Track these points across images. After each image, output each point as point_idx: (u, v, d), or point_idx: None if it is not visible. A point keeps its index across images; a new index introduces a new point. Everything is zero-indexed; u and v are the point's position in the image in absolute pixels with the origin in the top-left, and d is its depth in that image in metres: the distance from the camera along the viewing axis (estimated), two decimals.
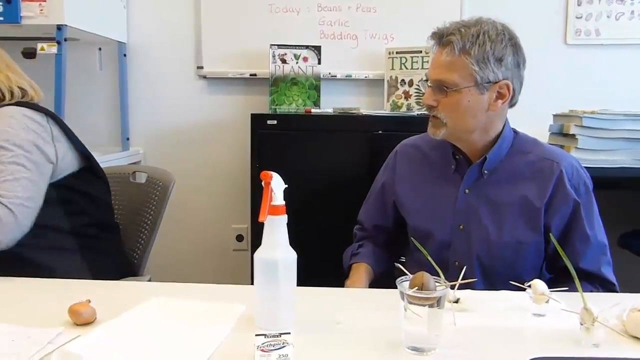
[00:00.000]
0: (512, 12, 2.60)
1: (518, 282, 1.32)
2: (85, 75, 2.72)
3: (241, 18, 2.64)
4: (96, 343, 0.89)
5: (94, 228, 1.54)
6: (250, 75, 2.64)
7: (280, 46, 2.49)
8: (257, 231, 1.06)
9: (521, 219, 1.35)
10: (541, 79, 2.64)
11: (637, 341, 0.95)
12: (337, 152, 2.19)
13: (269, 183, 0.91)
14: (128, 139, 2.73)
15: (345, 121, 2.28)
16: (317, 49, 2.50)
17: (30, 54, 2.10)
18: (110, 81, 2.73)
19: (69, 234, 1.48)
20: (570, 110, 2.11)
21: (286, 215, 0.94)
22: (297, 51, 2.50)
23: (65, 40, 2.13)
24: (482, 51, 1.25)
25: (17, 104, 1.45)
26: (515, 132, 1.42)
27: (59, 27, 2.12)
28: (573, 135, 1.99)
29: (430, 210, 1.42)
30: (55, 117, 1.51)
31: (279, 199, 0.93)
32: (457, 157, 1.41)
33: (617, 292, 1.35)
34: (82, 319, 0.96)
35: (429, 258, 1.01)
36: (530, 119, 2.50)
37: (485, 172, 1.37)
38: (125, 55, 2.69)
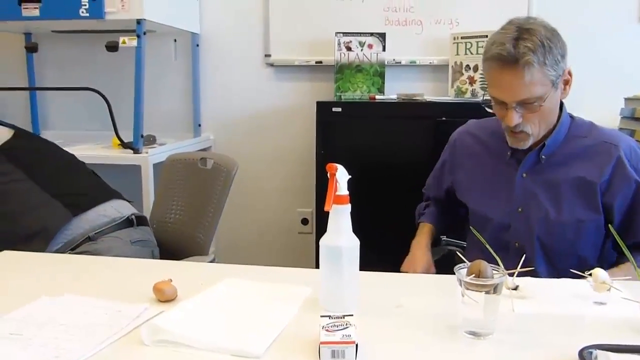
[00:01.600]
0: None
1: (579, 261, 1.35)
2: (162, 64, 2.87)
3: (307, 7, 2.70)
4: (178, 318, 0.99)
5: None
6: (316, 62, 2.70)
7: (345, 34, 2.54)
8: (321, 215, 1.12)
9: (579, 198, 1.36)
10: (613, 60, 2.56)
11: None
12: (401, 139, 2.22)
13: (334, 174, 0.97)
14: (200, 125, 2.87)
15: (409, 107, 2.31)
16: (381, 36, 2.52)
17: (113, 47, 2.25)
18: (184, 70, 2.87)
19: None
20: None
21: (350, 205, 1.00)
22: (362, 38, 2.53)
23: (145, 33, 2.27)
24: (553, 56, 1.27)
25: None
26: (571, 116, 1.43)
27: (139, 21, 2.26)
28: None
29: (488, 195, 1.46)
30: None
31: (343, 189, 0.99)
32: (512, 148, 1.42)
33: None
34: (165, 296, 1.06)
35: (488, 246, 1.05)
36: (601, 102, 2.45)
37: (543, 157, 1.39)
38: (197, 45, 2.82)
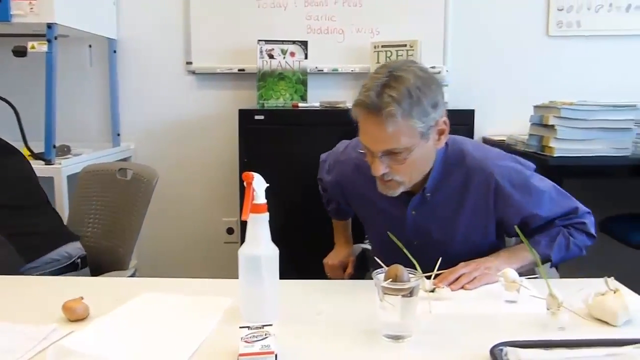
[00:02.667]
0: (496, 5, 2.67)
1: (476, 255, 1.36)
2: (76, 71, 2.75)
3: (229, 14, 2.67)
4: (89, 338, 0.94)
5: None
6: (239, 70, 2.68)
7: (267, 42, 2.53)
8: (246, 224, 1.11)
9: (472, 228, 1.41)
10: (524, 71, 2.70)
11: (601, 323, 1.02)
12: (324, 146, 2.23)
13: (251, 183, 0.96)
14: (119, 134, 2.77)
15: (332, 115, 2.33)
16: (304, 44, 2.53)
17: (21, 52, 2.12)
18: (101, 77, 2.76)
19: None
20: (550, 101, 2.16)
21: (267, 214, 1.00)
22: (284, 46, 2.53)
23: (56, 38, 2.16)
24: (421, 107, 1.20)
25: None
26: (446, 144, 1.38)
27: (49, 26, 2.14)
28: (552, 126, 2.04)
29: (382, 226, 1.40)
30: None
31: (260, 198, 0.98)
32: None
33: (588, 230, 1.40)
34: (75, 315, 1.01)
35: (405, 250, 1.07)
36: (513, 110, 2.58)
37: (428, 194, 1.38)
38: (115, 51, 2.72)
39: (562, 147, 2.03)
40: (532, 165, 1.43)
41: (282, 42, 2.53)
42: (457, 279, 1.24)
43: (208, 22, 2.69)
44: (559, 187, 1.43)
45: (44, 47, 2.12)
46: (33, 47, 2.11)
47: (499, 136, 2.59)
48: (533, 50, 2.69)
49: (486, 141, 2.63)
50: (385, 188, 1.32)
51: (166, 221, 2.78)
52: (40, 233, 1.59)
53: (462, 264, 1.29)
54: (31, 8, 2.10)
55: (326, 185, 1.70)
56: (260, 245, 1.00)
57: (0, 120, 2.59)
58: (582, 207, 1.42)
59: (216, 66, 2.70)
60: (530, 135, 2.20)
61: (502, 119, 2.65)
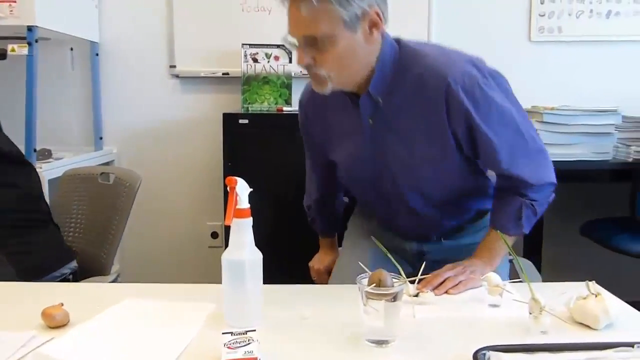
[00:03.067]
0: (478, 10, 2.70)
1: (456, 193, 1.38)
2: (57, 74, 2.72)
3: (213, 17, 2.67)
4: (69, 345, 0.93)
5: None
6: (223, 74, 2.67)
7: (251, 45, 2.53)
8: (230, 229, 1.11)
9: (428, 138, 1.30)
10: (507, 75, 2.70)
11: (582, 327, 1.02)
12: None
13: (234, 188, 0.95)
14: (101, 138, 2.74)
15: None
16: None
17: (0, 55, 2.10)
18: (83, 81, 2.74)
19: None
20: (532, 106, 2.19)
21: (251, 218, 0.99)
22: (269, 50, 2.53)
23: (36, 41, 2.14)
24: None
25: None
26: (398, 43, 1.31)
27: (30, 28, 2.12)
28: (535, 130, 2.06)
29: (346, 145, 1.40)
30: None
31: (244, 203, 0.98)
32: (346, 92, 1.33)
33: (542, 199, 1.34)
34: (55, 321, 0.99)
35: (390, 256, 1.07)
36: None
37: (379, 100, 1.29)
38: (97, 54, 2.70)
39: None
40: (501, 77, 1.33)
41: (267, 45, 2.53)
42: (441, 283, 1.24)
43: (192, 25, 2.68)
44: (527, 123, 1.34)
45: (25, 50, 2.09)
46: (13, 50, 2.09)
47: None
48: (515, 55, 2.72)
49: None
50: (315, 84, 1.27)
51: (149, 225, 2.76)
52: (41, 252, 1.55)
53: (447, 266, 1.28)
54: (11, 10, 2.08)
55: (309, 202, 1.69)
56: (243, 250, 0.99)
57: None
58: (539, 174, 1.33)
59: (200, 70, 2.69)
60: None
61: None
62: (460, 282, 1.24)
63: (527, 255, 2.12)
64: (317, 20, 1.16)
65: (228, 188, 0.96)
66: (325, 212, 1.69)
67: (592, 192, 2.54)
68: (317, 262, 1.71)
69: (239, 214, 0.97)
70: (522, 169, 1.31)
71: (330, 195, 1.67)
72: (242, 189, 0.97)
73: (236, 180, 0.96)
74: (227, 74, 2.67)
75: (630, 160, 2.10)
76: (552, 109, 2.05)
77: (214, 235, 2.80)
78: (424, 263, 1.15)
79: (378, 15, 1.21)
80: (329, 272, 1.66)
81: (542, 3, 2.70)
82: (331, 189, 1.65)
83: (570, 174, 2.14)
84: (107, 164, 2.65)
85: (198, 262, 2.80)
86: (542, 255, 2.13)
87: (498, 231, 1.33)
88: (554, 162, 2.03)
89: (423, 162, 1.32)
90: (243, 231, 0.99)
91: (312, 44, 1.19)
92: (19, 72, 2.22)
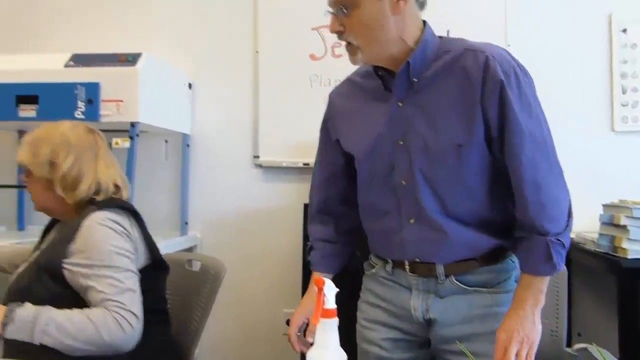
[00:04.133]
0: (559, 101, 2.69)
1: (469, 193, 1.29)
2: (152, 163, 2.92)
3: (296, 111, 2.82)
4: None
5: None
6: (303, 164, 2.78)
7: None
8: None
9: (457, 120, 1.27)
10: (590, 168, 2.65)
11: None
12: None
13: (322, 289, 0.98)
14: (187, 223, 2.89)
15: None
16: None
17: None
18: (174, 169, 2.93)
19: None
20: (620, 200, 2.12)
21: (337, 319, 1.01)
22: None
23: (137, 135, 2.34)
24: None
25: (105, 206, 1.55)
26: (441, 37, 1.34)
27: (133, 124, 2.33)
28: (624, 226, 1.99)
29: (369, 132, 1.36)
30: (136, 215, 1.63)
31: (330, 303, 1.00)
32: (379, 73, 1.35)
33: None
34: None
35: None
36: (581, 208, 2.50)
37: (414, 80, 1.30)
38: (188, 145, 2.90)
39: (636, 248, 1.96)
40: (530, 77, 1.30)
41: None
42: None
43: (275, 119, 2.85)
44: (548, 129, 1.29)
45: (127, 144, 2.29)
46: (117, 144, 2.29)
47: None
48: (599, 146, 2.67)
49: None
50: (349, 56, 1.31)
51: (227, 311, 2.81)
52: (152, 347, 1.53)
53: (504, 338, 1.22)
54: (118, 109, 2.30)
55: (310, 231, 1.60)
56: (328, 350, 1.00)
57: None
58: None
59: (282, 160, 2.82)
60: (601, 234, 2.14)
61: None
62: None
63: (622, 357, 1.98)
64: None
65: (316, 288, 0.99)
66: (326, 232, 1.55)
67: None
68: (295, 315, 1.52)
69: (326, 314, 1.00)
70: (542, 174, 1.25)
71: (333, 201, 1.55)
72: (330, 290, 1.00)
73: (324, 281, 0.99)
74: (308, 164, 2.77)
75: None
76: None
77: (289, 322, 2.80)
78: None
79: None
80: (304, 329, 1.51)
81: (624, 93, 2.67)
82: (335, 192, 1.54)
83: None
84: (190, 248, 2.77)
85: (273, 348, 2.80)
86: None
87: (529, 275, 1.27)
88: None
89: (445, 147, 1.28)
90: (329, 331, 1.00)
91: (340, 10, 1.25)
92: (119, 161, 2.42)
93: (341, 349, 1.02)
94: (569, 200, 1.30)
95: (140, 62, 2.35)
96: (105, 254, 1.47)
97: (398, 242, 1.37)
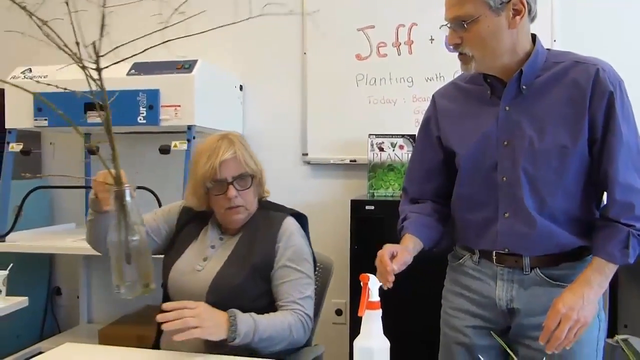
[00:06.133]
0: None
1: (566, 195, 1.39)
2: None
3: (342, 109, 2.93)
4: None
5: None
6: (350, 161, 2.89)
7: (377, 135, 2.72)
8: (354, 306, 1.21)
9: (563, 123, 1.38)
10: None
11: None
12: None
13: (367, 283, 1.09)
14: None
15: None
16: (412, 138, 2.69)
17: (166, 150, 2.48)
18: None
19: None
20: None
21: (380, 310, 1.12)
22: (394, 140, 2.71)
23: (194, 138, 2.50)
24: None
25: (288, 212, 1.80)
26: (548, 49, 1.46)
27: (189, 127, 2.50)
28: None
29: (474, 132, 1.48)
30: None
31: (374, 296, 1.11)
32: (488, 80, 1.46)
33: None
34: None
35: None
36: None
37: (524, 87, 1.41)
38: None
39: None
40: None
41: (392, 135, 2.71)
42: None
43: (323, 117, 2.96)
44: None
45: (184, 146, 2.46)
46: (176, 146, 2.46)
47: None
48: None
49: None
50: (462, 64, 1.42)
51: None
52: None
53: (552, 319, 1.31)
54: (176, 113, 2.47)
55: (402, 209, 1.65)
56: (373, 339, 1.11)
57: (144, 207, 2.98)
58: None
59: (329, 157, 2.94)
60: None
61: None
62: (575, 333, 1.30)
63: None
64: (463, 2, 1.34)
65: (362, 283, 1.10)
66: (420, 208, 1.60)
67: None
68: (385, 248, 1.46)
69: (370, 306, 1.11)
70: (633, 178, 1.35)
71: (427, 194, 1.62)
72: (374, 284, 1.11)
73: (369, 276, 1.10)
74: (355, 161, 2.88)
75: None
76: None
77: (338, 312, 2.93)
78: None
79: (522, 2, 1.35)
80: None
81: None
82: (430, 187, 1.62)
83: None
84: None
85: (322, 337, 2.92)
86: None
87: (602, 259, 1.34)
88: None
89: (550, 149, 1.38)
90: (373, 321, 1.11)
91: (459, 25, 1.36)
92: (176, 163, 2.59)
93: (384, 337, 1.13)
94: None
95: (196, 69, 2.51)
96: (302, 261, 1.68)
97: (490, 233, 1.48)
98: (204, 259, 1.67)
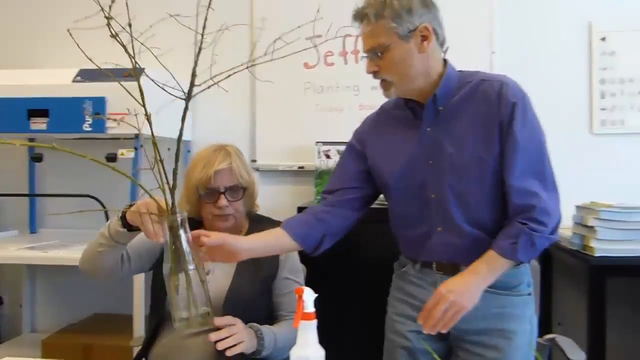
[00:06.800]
0: (541, 102, 2.81)
1: (491, 206, 1.47)
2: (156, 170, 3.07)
3: (291, 116, 2.98)
4: None
5: None
6: (299, 168, 2.95)
7: (325, 143, 2.79)
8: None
9: (478, 137, 1.48)
10: (570, 168, 2.77)
11: None
12: (380, 243, 2.38)
13: (301, 296, 1.15)
14: None
15: (384, 212, 2.50)
16: None
17: (112, 158, 2.46)
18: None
19: None
20: (591, 202, 2.26)
21: (316, 320, 1.17)
22: (340, 147, 2.76)
23: (141, 146, 2.50)
24: (392, 10, 1.45)
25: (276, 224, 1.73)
26: (460, 71, 1.58)
27: (137, 135, 2.49)
28: (592, 227, 2.14)
29: (401, 155, 1.58)
30: None
31: (309, 307, 1.16)
32: (409, 105, 1.58)
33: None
34: None
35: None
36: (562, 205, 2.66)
37: (440, 108, 1.52)
38: (189, 151, 3.05)
39: (602, 247, 2.12)
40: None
41: (338, 143, 2.77)
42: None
43: (271, 124, 3.01)
44: (547, 154, 1.50)
45: (131, 154, 2.45)
46: (122, 154, 2.45)
47: None
48: (579, 147, 2.81)
49: None
50: (383, 91, 1.55)
51: None
52: None
53: (435, 297, 1.39)
54: (123, 122, 2.45)
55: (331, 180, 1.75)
56: (308, 348, 1.16)
57: (90, 215, 2.96)
58: (545, 201, 1.43)
59: (278, 164, 2.98)
60: (574, 233, 2.29)
61: None
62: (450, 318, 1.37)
63: (590, 347, 2.14)
64: (375, 34, 1.47)
65: (297, 296, 1.15)
66: (316, 209, 1.66)
67: None
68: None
69: (305, 317, 1.16)
70: (529, 184, 1.44)
71: (341, 192, 1.67)
72: (308, 296, 1.16)
73: (303, 289, 1.15)
74: (302, 167, 2.94)
75: None
76: (610, 206, 2.12)
77: None
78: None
79: (427, 29, 1.47)
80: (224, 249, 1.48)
81: (602, 98, 2.81)
82: (348, 188, 1.67)
83: (632, 269, 2.18)
84: None
85: None
86: (606, 345, 2.13)
87: (494, 252, 1.43)
88: (613, 257, 2.12)
89: (469, 162, 1.48)
90: (309, 332, 1.16)
91: (375, 55, 1.49)
92: (125, 171, 2.57)
93: (319, 346, 1.18)
94: (559, 216, 1.46)
95: (144, 77, 2.49)
96: (299, 272, 1.77)
97: (428, 247, 1.57)
98: (207, 272, 1.66)
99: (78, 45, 1.39)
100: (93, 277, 1.68)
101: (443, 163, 1.51)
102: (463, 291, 1.39)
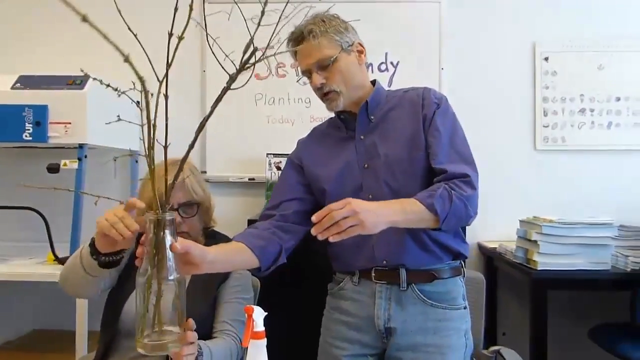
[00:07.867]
0: (487, 121, 2.91)
1: (421, 192, 1.45)
2: (102, 180, 2.96)
3: (242, 128, 2.96)
4: None
5: None
6: (249, 179, 2.92)
7: (275, 155, 2.78)
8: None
9: (407, 135, 1.58)
10: (514, 182, 2.89)
11: None
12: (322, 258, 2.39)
13: (251, 315, 1.13)
14: None
15: None
16: None
17: (54, 169, 2.36)
18: (122, 185, 3.00)
19: None
20: (534, 216, 2.34)
21: (265, 339, 1.15)
22: None
23: (85, 156, 2.41)
24: (333, 27, 1.58)
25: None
26: (388, 89, 1.73)
27: (81, 146, 2.40)
28: (535, 241, 2.21)
29: (337, 163, 1.63)
30: None
31: (259, 326, 1.15)
32: (342, 117, 1.67)
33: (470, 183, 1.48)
34: None
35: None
36: (502, 222, 2.75)
37: (372, 117, 1.64)
38: (137, 161, 2.98)
39: (544, 261, 2.19)
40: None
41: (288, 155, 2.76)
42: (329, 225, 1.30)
43: (222, 135, 2.97)
44: (465, 139, 1.59)
45: (75, 165, 2.36)
46: (65, 165, 2.35)
47: (492, 242, 2.75)
48: (522, 163, 2.91)
49: (481, 247, 2.79)
50: (329, 102, 1.62)
51: None
52: None
53: (342, 202, 1.32)
54: (66, 131, 2.37)
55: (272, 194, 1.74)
56: None
57: (29, 225, 2.84)
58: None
59: (228, 175, 2.95)
60: (517, 247, 2.36)
61: (493, 228, 2.83)
62: (348, 228, 1.30)
63: (532, 357, 2.20)
64: (323, 47, 1.57)
65: (246, 315, 1.13)
66: (258, 226, 1.61)
67: (597, 298, 2.63)
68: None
69: (255, 336, 1.14)
70: (461, 168, 1.50)
71: (285, 205, 1.65)
72: (258, 315, 1.14)
73: (253, 308, 1.14)
74: (253, 179, 2.91)
75: (628, 270, 2.20)
76: (551, 221, 2.20)
77: None
78: None
79: (361, 45, 1.65)
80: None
81: (545, 115, 2.92)
82: (291, 203, 1.66)
83: (572, 283, 2.27)
84: None
85: None
86: (547, 356, 2.20)
87: (414, 198, 1.42)
88: (555, 271, 2.19)
89: (402, 158, 1.56)
90: (259, 350, 1.15)
91: (322, 67, 1.58)
92: (68, 181, 2.49)
93: None
94: (474, 178, 1.50)
95: (88, 85, 2.42)
96: (244, 286, 1.70)
97: (367, 249, 1.58)
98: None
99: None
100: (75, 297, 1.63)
101: (378, 164, 1.58)
102: (371, 213, 1.33)
